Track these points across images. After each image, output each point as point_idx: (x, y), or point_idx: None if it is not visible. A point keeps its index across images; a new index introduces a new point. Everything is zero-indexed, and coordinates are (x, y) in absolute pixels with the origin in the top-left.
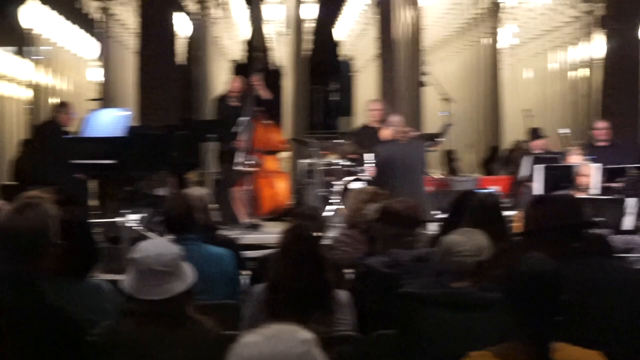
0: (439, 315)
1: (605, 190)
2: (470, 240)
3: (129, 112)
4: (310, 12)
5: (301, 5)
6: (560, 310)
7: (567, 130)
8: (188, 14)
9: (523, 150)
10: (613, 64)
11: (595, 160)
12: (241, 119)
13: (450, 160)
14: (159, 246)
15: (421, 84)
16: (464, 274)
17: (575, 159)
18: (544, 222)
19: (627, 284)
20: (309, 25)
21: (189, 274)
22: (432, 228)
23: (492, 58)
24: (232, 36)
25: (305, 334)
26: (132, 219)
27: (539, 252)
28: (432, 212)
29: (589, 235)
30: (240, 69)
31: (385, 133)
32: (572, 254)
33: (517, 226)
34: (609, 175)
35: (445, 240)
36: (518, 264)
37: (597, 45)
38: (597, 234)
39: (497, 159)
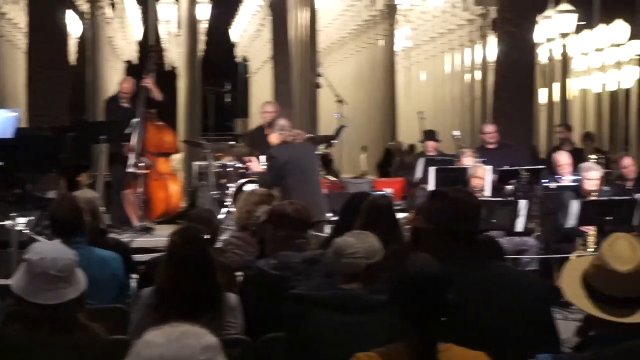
0: (328, 318)
1: (496, 192)
2: (361, 243)
3: (17, 114)
4: (205, 12)
5: (196, 6)
6: (446, 312)
7: (459, 133)
8: (80, 13)
9: (418, 153)
10: (506, 67)
11: (486, 163)
12: (133, 120)
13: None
14: (55, 250)
15: (317, 86)
16: (354, 276)
17: (468, 161)
18: (435, 222)
19: (514, 286)
20: (204, 26)
21: (82, 280)
22: (327, 230)
23: (388, 60)
24: (126, 37)
25: (210, 339)
26: (21, 223)
27: (426, 254)
28: (327, 214)
29: (480, 237)
30: (134, 70)
31: (273, 137)
32: (462, 256)
33: (409, 228)
34: (500, 177)
35: (337, 242)
36: (404, 266)
37: (492, 48)
38: (487, 236)
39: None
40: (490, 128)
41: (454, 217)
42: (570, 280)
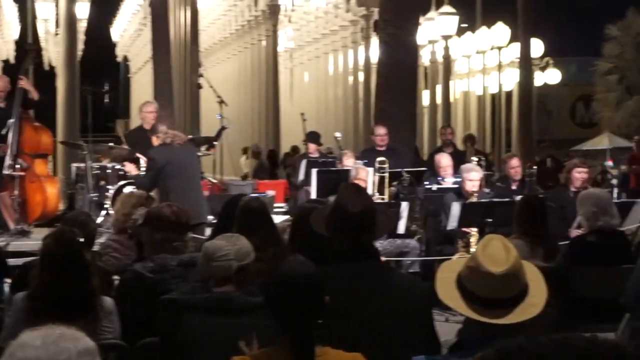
0: (202, 321)
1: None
2: (231, 245)
3: None
4: (84, 11)
5: (75, 4)
6: (322, 314)
7: (339, 134)
8: None
9: (301, 154)
10: (388, 69)
11: (371, 165)
12: (9, 121)
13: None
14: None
15: (198, 86)
16: (226, 278)
17: (349, 162)
18: (314, 225)
19: (393, 288)
20: (83, 25)
21: None
22: (208, 232)
23: (271, 61)
24: (2, 35)
25: (87, 343)
26: None
27: (301, 256)
28: (208, 217)
29: (357, 239)
30: (11, 70)
31: (154, 140)
32: (340, 258)
33: (289, 230)
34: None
35: (206, 246)
36: (279, 268)
37: (374, 50)
38: (367, 238)
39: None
40: (381, 130)
41: (333, 221)
42: (444, 282)
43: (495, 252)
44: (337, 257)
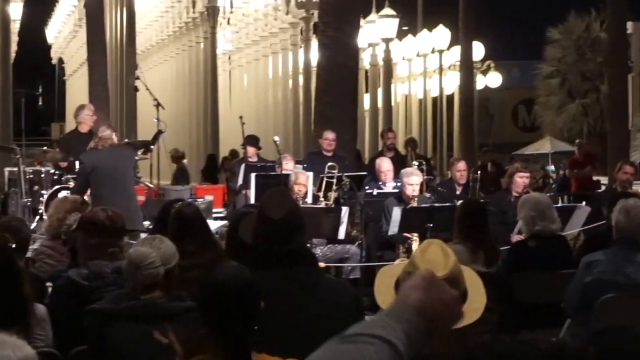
0: (130, 329)
1: (317, 199)
2: (156, 250)
3: None
4: (17, 11)
5: (8, 4)
6: (257, 320)
7: (278, 138)
8: None
9: (239, 159)
10: (329, 72)
11: (317, 169)
12: None
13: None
14: None
15: (134, 89)
16: (153, 285)
17: (288, 166)
18: (253, 230)
19: (322, 294)
20: (16, 26)
21: None
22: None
23: (209, 63)
24: None
25: (27, 351)
26: None
27: (236, 262)
28: (144, 222)
29: (293, 246)
30: None
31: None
32: (275, 264)
33: (227, 235)
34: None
35: (131, 254)
36: (213, 274)
37: (315, 52)
38: (301, 244)
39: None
40: (331, 135)
41: (257, 228)
42: (383, 287)
43: (433, 257)
44: (269, 264)
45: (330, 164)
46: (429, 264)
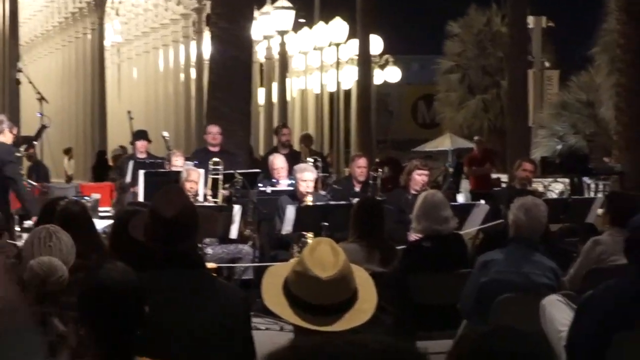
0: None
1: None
2: (57, 254)
3: None
4: None
5: None
6: (140, 324)
7: (167, 134)
8: None
9: (128, 155)
10: (221, 65)
11: (203, 166)
12: None
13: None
14: None
15: (16, 82)
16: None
17: (178, 162)
18: (136, 233)
19: (210, 298)
20: None
21: None
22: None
23: (97, 56)
24: None
25: None
26: None
27: (121, 263)
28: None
29: (180, 246)
30: None
31: None
32: (164, 264)
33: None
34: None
35: (36, 267)
36: (95, 274)
37: (207, 45)
38: (190, 244)
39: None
40: (214, 129)
41: (148, 227)
42: (270, 288)
43: (323, 256)
44: (156, 265)
45: (214, 159)
46: (318, 264)
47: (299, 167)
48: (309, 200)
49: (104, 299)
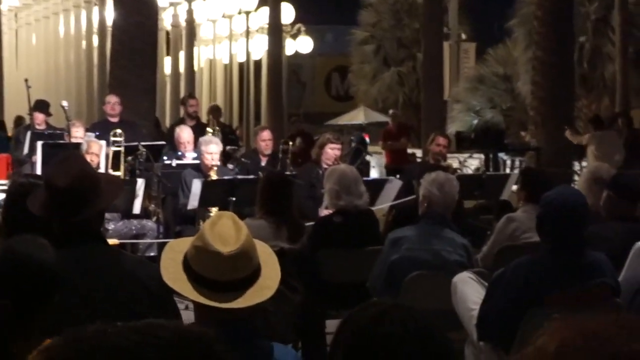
0: None
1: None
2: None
3: None
4: None
5: None
6: (48, 302)
7: (66, 103)
8: None
9: (25, 126)
10: (125, 32)
11: (104, 138)
12: None
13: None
14: None
15: None
16: None
17: (78, 134)
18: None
19: (120, 274)
20: None
21: None
22: None
23: None
24: None
25: None
26: None
27: (39, 237)
28: None
29: (72, 217)
30: None
31: None
32: (64, 239)
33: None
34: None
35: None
36: (11, 246)
37: (110, 11)
38: (91, 216)
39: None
40: (112, 98)
41: (45, 198)
42: (169, 263)
43: (224, 230)
44: (55, 241)
45: (116, 130)
46: (219, 238)
47: (204, 139)
48: (214, 174)
49: (18, 273)
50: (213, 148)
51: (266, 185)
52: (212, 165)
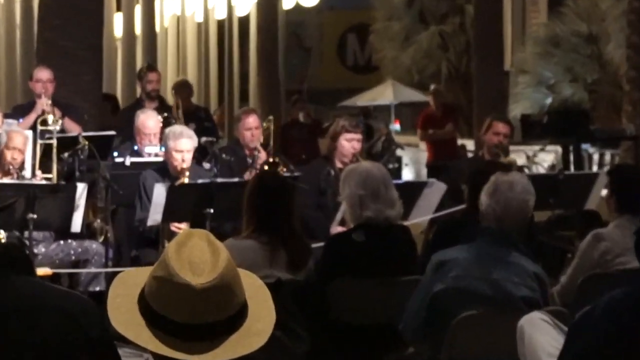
0: None
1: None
2: None
3: None
4: None
5: None
6: None
7: None
8: None
9: None
10: None
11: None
12: None
13: None
14: None
15: None
16: None
17: None
18: None
19: (45, 317)
20: None
21: None
22: None
23: None
24: None
25: None
26: None
27: None
28: None
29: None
30: None
31: None
32: None
33: None
34: None
35: None
36: None
37: None
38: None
39: None
40: (43, 73)
41: None
42: (121, 301)
43: (196, 254)
44: None
45: (48, 116)
46: (189, 265)
47: (172, 130)
48: (185, 178)
49: None
50: (185, 144)
51: (257, 191)
52: (183, 169)
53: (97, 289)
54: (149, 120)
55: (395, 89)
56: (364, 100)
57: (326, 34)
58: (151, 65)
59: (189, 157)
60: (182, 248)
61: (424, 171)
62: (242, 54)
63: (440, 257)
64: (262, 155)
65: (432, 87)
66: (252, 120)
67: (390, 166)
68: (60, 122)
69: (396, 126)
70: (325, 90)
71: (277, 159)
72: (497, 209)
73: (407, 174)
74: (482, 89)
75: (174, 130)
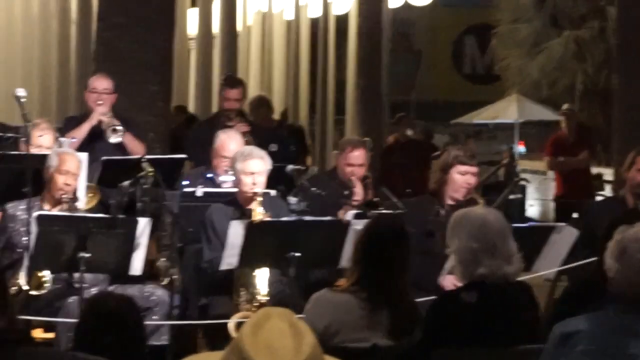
0: None
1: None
2: None
3: None
4: None
5: None
6: None
7: (23, 92)
8: None
9: None
10: None
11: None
12: None
13: None
14: None
15: None
16: None
17: (45, 142)
18: None
19: None
20: None
21: None
22: None
23: None
24: None
25: None
26: None
27: None
28: None
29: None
30: None
31: None
32: None
33: None
34: None
35: None
36: None
37: None
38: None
39: None
40: (100, 81)
41: None
42: None
43: (274, 338)
44: None
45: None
46: (266, 350)
47: (240, 152)
48: (258, 210)
49: None
50: (256, 165)
51: (368, 238)
52: (254, 194)
53: (161, 343)
54: (231, 142)
55: (520, 105)
56: (483, 117)
57: (439, 36)
58: (232, 78)
59: (260, 180)
60: (258, 330)
61: (551, 205)
62: (339, 59)
63: (562, 328)
64: (358, 189)
65: (564, 106)
66: (358, 155)
67: (512, 196)
68: (122, 134)
69: (521, 148)
70: (436, 103)
71: (378, 199)
72: (628, 274)
73: (532, 209)
74: (625, 108)
75: (243, 150)
